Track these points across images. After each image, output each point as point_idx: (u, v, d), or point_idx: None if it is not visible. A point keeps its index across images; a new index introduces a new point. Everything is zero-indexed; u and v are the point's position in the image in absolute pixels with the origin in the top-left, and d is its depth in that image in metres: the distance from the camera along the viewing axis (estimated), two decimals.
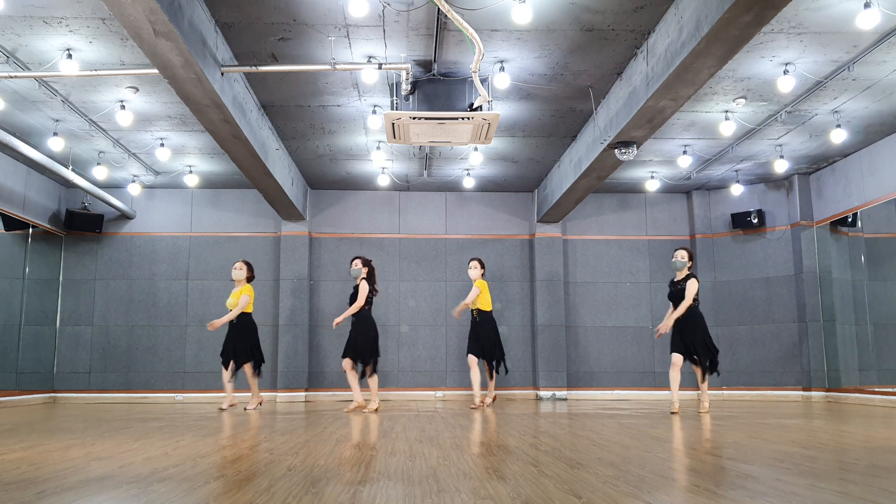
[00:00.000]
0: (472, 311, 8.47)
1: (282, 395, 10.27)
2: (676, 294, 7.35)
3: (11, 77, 6.44)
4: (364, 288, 7.75)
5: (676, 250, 7.49)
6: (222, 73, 6.03)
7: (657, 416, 6.90)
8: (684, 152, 9.15)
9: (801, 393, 10.07)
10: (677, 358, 7.21)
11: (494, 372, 8.47)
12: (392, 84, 6.73)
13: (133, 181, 10.22)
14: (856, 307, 10.18)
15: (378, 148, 9.04)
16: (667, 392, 10.73)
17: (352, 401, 7.94)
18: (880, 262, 10.13)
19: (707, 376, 7.23)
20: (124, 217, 10.75)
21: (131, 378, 10.43)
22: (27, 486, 2.91)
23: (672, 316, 7.28)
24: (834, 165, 9.72)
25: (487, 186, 10.95)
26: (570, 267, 11.14)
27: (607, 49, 6.37)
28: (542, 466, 3.37)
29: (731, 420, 6.27)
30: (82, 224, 10.40)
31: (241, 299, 7.94)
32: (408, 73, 6.35)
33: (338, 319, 7.74)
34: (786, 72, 6.61)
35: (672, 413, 7.06)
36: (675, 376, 7.25)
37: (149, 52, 5.16)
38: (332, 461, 3.59)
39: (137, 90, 7.15)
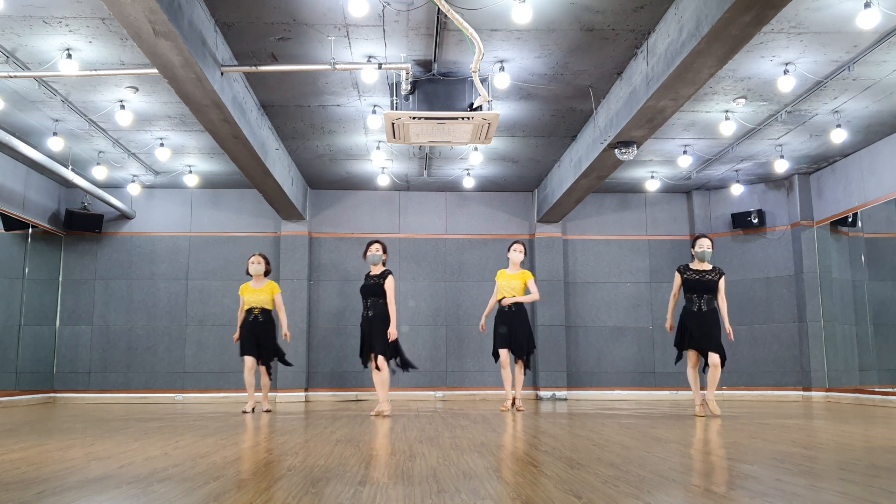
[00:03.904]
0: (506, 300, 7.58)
1: (281, 396, 10.26)
2: (703, 285, 6.65)
3: (11, 77, 6.44)
4: (393, 280, 6.96)
5: (700, 238, 6.84)
6: (222, 73, 6.02)
7: (657, 416, 6.89)
8: (684, 152, 9.14)
9: (802, 393, 10.07)
10: (694, 354, 6.71)
11: (526, 368, 7.75)
12: (392, 84, 6.73)
13: (133, 181, 10.22)
14: (856, 307, 10.18)
15: (378, 148, 9.04)
16: (666, 392, 10.74)
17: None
18: (880, 262, 10.13)
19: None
20: (124, 217, 10.74)
21: (131, 378, 10.43)
22: (27, 486, 2.91)
23: (726, 320, 6.69)
24: (834, 165, 9.72)
25: (487, 186, 10.94)
26: (570, 267, 11.13)
27: (607, 49, 6.37)
28: (542, 466, 3.37)
29: (731, 420, 6.26)
30: (82, 224, 10.40)
31: (278, 299, 7.77)
32: (408, 73, 6.34)
33: (393, 331, 6.80)
34: (786, 71, 6.60)
35: (697, 416, 6.57)
36: (694, 376, 6.76)
37: (148, 51, 5.16)
38: (331, 461, 3.58)
39: (137, 90, 7.15)
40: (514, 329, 7.54)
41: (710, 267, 6.76)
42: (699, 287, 6.67)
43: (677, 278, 6.84)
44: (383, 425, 5.81)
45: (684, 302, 6.82)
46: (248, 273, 7.86)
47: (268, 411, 7.70)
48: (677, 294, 6.90)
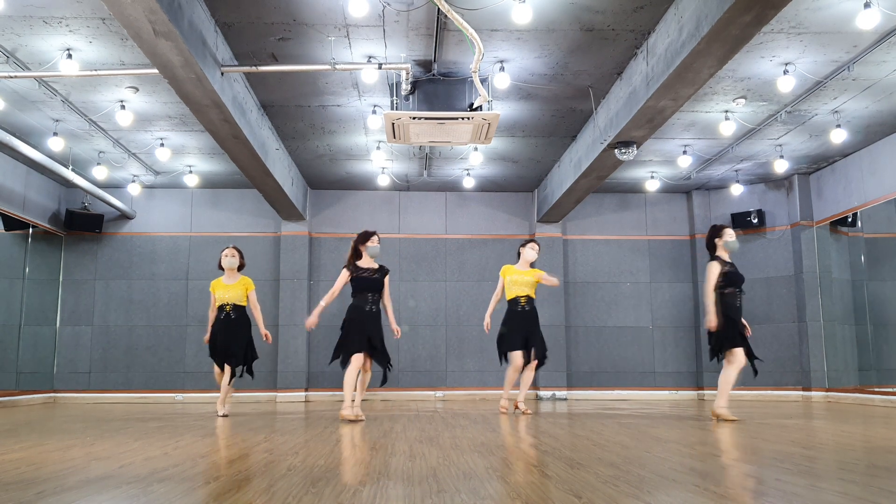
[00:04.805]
0: (522, 298, 7.21)
1: (281, 396, 10.27)
2: (741, 278, 6.22)
3: (11, 77, 6.44)
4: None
5: (726, 228, 6.37)
6: (222, 73, 6.02)
7: (657, 416, 6.89)
8: (684, 152, 9.14)
9: (801, 393, 10.06)
10: (741, 353, 6.05)
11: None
12: (392, 84, 6.73)
13: (133, 181, 10.22)
14: (856, 307, 10.18)
15: (378, 148, 9.04)
16: (666, 392, 10.73)
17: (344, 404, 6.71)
18: (880, 262, 10.13)
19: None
20: (124, 217, 10.74)
21: (131, 378, 10.43)
22: (27, 486, 2.91)
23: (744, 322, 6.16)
24: (834, 165, 9.72)
25: (487, 186, 10.94)
26: (571, 267, 11.13)
27: (607, 49, 6.37)
28: (543, 466, 3.37)
29: (732, 420, 6.25)
30: (82, 224, 10.40)
31: (252, 297, 7.22)
32: (408, 73, 6.34)
33: (396, 326, 6.72)
34: (786, 72, 6.60)
35: (726, 420, 6.05)
36: (735, 375, 6.10)
37: (149, 52, 5.16)
38: (332, 461, 3.58)
39: (137, 90, 7.15)
40: (532, 332, 7.14)
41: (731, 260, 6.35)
42: (739, 279, 6.17)
43: (716, 269, 6.16)
44: (383, 425, 5.81)
45: (720, 296, 6.15)
46: (220, 267, 7.28)
47: (224, 416, 6.93)
48: (716, 287, 6.16)
